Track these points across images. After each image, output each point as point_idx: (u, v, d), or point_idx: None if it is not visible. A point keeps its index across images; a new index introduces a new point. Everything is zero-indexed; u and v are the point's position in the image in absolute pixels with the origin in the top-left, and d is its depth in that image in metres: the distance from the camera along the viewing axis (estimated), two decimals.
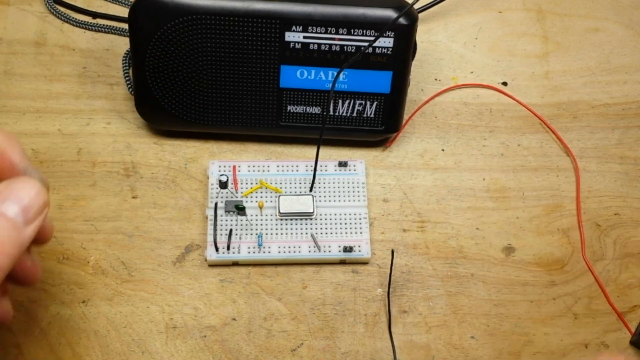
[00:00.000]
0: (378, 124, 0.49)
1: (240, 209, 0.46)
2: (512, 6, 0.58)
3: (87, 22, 0.55)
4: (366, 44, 0.46)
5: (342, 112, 0.49)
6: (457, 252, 0.47)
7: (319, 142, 0.46)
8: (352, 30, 0.46)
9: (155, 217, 0.48)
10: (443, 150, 0.51)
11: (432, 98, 0.53)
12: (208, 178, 0.48)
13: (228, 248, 0.46)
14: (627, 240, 0.48)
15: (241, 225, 0.47)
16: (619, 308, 0.46)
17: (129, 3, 0.56)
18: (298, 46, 0.46)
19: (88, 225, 0.47)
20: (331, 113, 0.49)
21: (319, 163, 0.48)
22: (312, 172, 0.48)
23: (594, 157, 0.51)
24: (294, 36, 0.46)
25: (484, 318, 0.45)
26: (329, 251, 0.46)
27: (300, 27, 0.46)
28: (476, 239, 0.48)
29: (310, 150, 0.51)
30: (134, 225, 0.47)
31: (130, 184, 0.49)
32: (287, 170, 0.49)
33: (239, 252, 0.46)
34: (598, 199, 0.50)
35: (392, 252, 0.45)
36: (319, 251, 0.46)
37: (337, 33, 0.46)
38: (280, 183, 0.48)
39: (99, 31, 0.55)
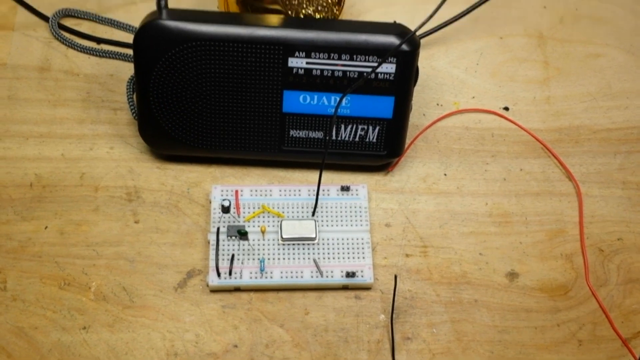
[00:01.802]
0: (380, 148, 0.50)
1: (242, 234, 0.46)
2: (513, 32, 0.58)
3: (92, 48, 0.55)
4: (368, 69, 0.46)
5: (345, 137, 0.49)
6: (460, 278, 0.47)
7: (321, 167, 0.46)
8: (354, 56, 0.46)
9: (157, 242, 0.48)
10: (445, 174, 0.51)
11: (434, 123, 0.53)
12: (210, 202, 0.48)
13: (230, 273, 0.46)
14: (630, 266, 0.48)
15: (243, 250, 0.47)
16: (624, 334, 0.46)
17: (134, 29, 0.56)
18: (301, 72, 0.47)
19: (90, 251, 0.47)
20: (334, 138, 0.49)
21: (321, 187, 0.48)
22: (315, 197, 0.48)
23: (596, 182, 0.51)
24: (296, 62, 0.46)
25: (488, 345, 0.45)
26: (332, 276, 0.46)
27: (303, 53, 0.46)
28: (479, 264, 0.48)
29: (313, 175, 0.51)
30: (135, 250, 0.47)
31: (132, 208, 0.49)
32: (290, 195, 0.49)
33: (240, 278, 0.46)
34: (601, 224, 0.50)
35: (395, 277, 0.45)
36: (322, 276, 0.46)
37: (339, 59, 0.46)
38: (283, 207, 0.48)
39: (103, 57, 0.55)
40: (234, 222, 0.47)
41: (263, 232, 0.47)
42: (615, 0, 0.60)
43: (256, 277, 0.46)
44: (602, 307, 0.46)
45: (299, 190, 0.49)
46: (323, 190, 0.49)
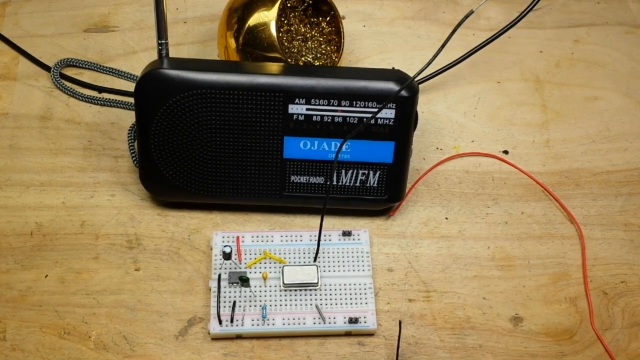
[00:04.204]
0: (381, 193, 0.50)
1: (243, 281, 0.46)
2: (510, 77, 0.59)
3: (93, 97, 0.56)
4: (368, 115, 0.47)
5: (346, 182, 0.49)
6: (464, 323, 0.47)
7: (322, 212, 0.46)
8: (354, 102, 0.46)
9: (158, 289, 0.47)
10: (447, 218, 0.51)
11: (434, 167, 0.54)
12: (212, 249, 0.48)
13: (231, 320, 0.45)
14: (635, 309, 0.48)
15: (245, 296, 0.46)
16: None
17: (135, 78, 0.57)
18: (301, 118, 0.47)
19: (90, 299, 0.47)
20: (334, 183, 0.49)
21: (322, 232, 0.48)
22: (316, 242, 0.48)
23: (598, 224, 0.51)
24: (297, 108, 0.47)
25: None
26: (334, 322, 0.46)
27: (303, 100, 0.46)
28: (483, 308, 0.47)
29: (314, 220, 0.51)
30: (136, 298, 0.47)
31: (133, 256, 0.49)
32: (291, 240, 0.49)
33: (242, 325, 0.45)
34: (604, 266, 0.49)
35: (400, 323, 0.44)
36: (324, 322, 0.46)
37: (339, 105, 0.47)
38: (284, 253, 0.48)
39: (104, 105, 0.56)
40: (235, 268, 0.47)
41: (265, 278, 0.47)
42: (611, 44, 0.61)
43: (258, 324, 0.45)
44: (609, 352, 0.46)
45: (301, 236, 0.49)
46: (324, 236, 0.49)
